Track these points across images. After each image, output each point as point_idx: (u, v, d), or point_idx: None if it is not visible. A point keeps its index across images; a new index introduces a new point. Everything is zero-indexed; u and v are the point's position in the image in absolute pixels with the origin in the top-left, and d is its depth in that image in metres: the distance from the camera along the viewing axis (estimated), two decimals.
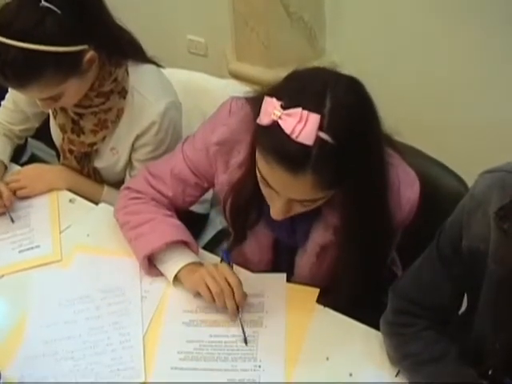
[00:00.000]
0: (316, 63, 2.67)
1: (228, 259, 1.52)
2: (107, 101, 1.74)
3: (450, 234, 1.24)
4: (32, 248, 1.72)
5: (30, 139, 2.31)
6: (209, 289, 1.43)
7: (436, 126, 2.68)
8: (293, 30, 2.74)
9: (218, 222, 2.10)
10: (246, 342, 1.42)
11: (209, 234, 2.08)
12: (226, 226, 1.96)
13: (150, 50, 1.83)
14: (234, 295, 1.43)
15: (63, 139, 1.88)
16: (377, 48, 2.74)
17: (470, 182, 1.33)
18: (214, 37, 3.28)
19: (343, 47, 2.83)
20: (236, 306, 1.44)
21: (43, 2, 1.52)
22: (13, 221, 1.81)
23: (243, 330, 1.43)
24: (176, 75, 1.96)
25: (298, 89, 1.21)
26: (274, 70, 2.74)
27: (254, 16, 2.76)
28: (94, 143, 1.82)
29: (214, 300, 1.43)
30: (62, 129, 1.86)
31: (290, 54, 2.74)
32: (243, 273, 1.55)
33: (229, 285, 1.43)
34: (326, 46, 2.88)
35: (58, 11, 1.53)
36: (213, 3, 3.15)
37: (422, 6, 2.54)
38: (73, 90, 1.64)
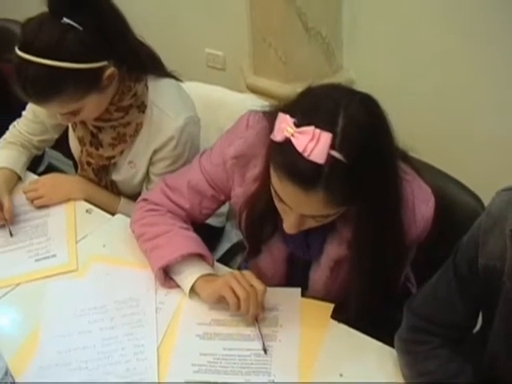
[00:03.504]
0: (333, 79, 2.70)
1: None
2: (126, 115, 1.75)
3: (466, 251, 1.24)
4: (48, 257, 1.74)
5: (47, 149, 2.32)
6: (234, 294, 1.43)
7: (452, 142, 2.68)
8: (310, 45, 2.74)
9: (233, 236, 2.11)
10: (265, 351, 1.42)
11: (224, 247, 2.09)
12: (241, 239, 1.96)
13: (168, 62, 1.84)
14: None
15: (82, 151, 1.90)
16: (393, 65, 2.74)
17: (486, 200, 1.32)
18: (232, 51, 3.29)
19: (360, 63, 2.83)
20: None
21: (65, 19, 1.53)
22: (11, 234, 1.82)
23: (262, 338, 1.43)
24: (195, 89, 1.97)
25: (311, 106, 1.22)
26: (292, 85, 2.75)
27: (272, 31, 2.77)
28: (112, 156, 1.83)
29: (239, 306, 1.43)
30: (81, 141, 1.88)
31: (308, 69, 2.74)
32: None
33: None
34: (342, 62, 2.88)
35: (80, 28, 1.54)
36: (231, 17, 3.17)
37: (438, 23, 2.54)
38: (92, 104, 1.66)
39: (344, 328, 1.47)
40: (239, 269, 1.69)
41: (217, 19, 3.28)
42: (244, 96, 2.16)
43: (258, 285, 1.44)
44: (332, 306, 1.49)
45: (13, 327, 1.58)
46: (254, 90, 2.90)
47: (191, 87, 1.94)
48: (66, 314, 1.55)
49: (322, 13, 2.72)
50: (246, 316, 1.46)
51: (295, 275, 1.59)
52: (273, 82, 2.87)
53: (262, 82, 2.92)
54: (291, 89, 2.74)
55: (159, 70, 1.81)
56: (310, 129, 1.15)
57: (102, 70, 1.61)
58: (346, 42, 2.85)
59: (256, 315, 1.46)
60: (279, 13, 2.70)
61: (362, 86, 1.33)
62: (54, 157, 2.61)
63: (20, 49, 1.54)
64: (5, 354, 1.33)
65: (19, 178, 2.01)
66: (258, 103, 1.85)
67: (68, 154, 2.16)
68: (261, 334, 1.44)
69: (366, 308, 1.44)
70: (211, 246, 1.81)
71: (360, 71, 2.80)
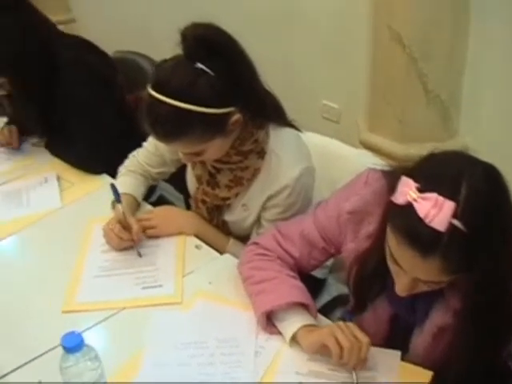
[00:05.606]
0: (448, 143, 2.69)
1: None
2: (245, 160, 1.79)
3: None
4: (155, 286, 1.78)
5: (160, 180, 2.41)
6: (338, 343, 1.43)
7: None
8: (429, 108, 2.74)
9: (333, 289, 2.10)
10: None
11: (323, 299, 2.08)
12: (342, 293, 1.97)
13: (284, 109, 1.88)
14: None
15: (198, 189, 1.95)
16: (510, 134, 2.70)
17: None
18: (348, 104, 3.32)
19: (477, 130, 2.80)
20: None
21: (198, 64, 1.59)
22: (140, 255, 1.89)
23: None
24: (311, 139, 2.00)
25: (434, 173, 1.24)
26: (405, 146, 2.76)
27: (392, 90, 2.79)
28: (227, 198, 1.87)
29: (341, 355, 1.42)
30: (199, 180, 1.93)
31: (423, 131, 2.75)
32: None
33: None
34: (459, 128, 2.86)
35: (212, 73, 1.60)
36: (351, 71, 3.21)
37: None
38: (215, 147, 1.71)
39: None
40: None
41: (336, 72, 3.32)
42: (359, 152, 2.17)
43: (363, 337, 1.43)
44: (431, 373, 1.46)
45: (114, 349, 1.62)
46: (367, 146, 2.91)
47: (310, 137, 1.98)
48: (167, 345, 1.58)
49: (443, 76, 2.73)
50: (346, 367, 1.46)
51: (396, 337, 1.57)
52: (387, 141, 2.88)
53: (376, 139, 2.93)
54: (404, 149, 2.75)
55: (281, 119, 1.85)
56: (433, 196, 1.17)
57: (228, 115, 1.66)
58: (464, 107, 2.84)
59: (356, 367, 1.45)
60: (400, 72, 2.73)
61: (477, 154, 1.32)
62: (166, 189, 2.69)
63: (153, 88, 1.61)
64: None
65: (138, 205, 2.10)
66: (373, 161, 1.88)
67: (180, 188, 2.23)
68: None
69: (464, 379, 1.41)
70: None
71: (476, 138, 2.77)
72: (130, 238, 1.89)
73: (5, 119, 2.74)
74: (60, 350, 1.31)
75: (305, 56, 3.46)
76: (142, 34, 4.28)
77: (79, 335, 1.30)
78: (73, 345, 1.29)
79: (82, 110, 2.33)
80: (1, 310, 1.69)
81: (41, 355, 1.58)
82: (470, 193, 1.18)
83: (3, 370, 1.55)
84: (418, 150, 1.31)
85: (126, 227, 1.90)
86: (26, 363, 1.57)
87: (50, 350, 1.58)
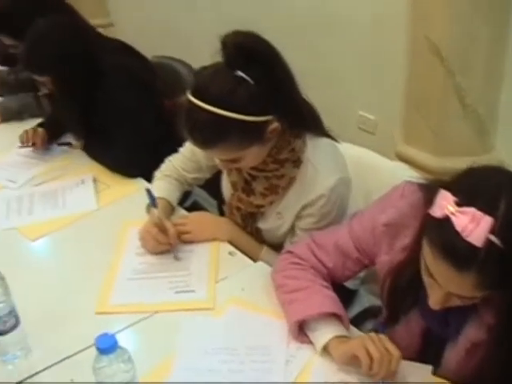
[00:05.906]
0: (484, 158, 2.66)
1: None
2: (281, 168, 1.79)
3: None
4: (187, 291, 1.79)
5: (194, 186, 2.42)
6: (368, 354, 1.42)
7: None
8: (466, 122, 2.73)
9: (365, 301, 2.09)
10: None
11: (354, 310, 2.07)
12: (373, 305, 1.96)
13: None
14: None
15: (233, 196, 1.96)
16: None
17: None
18: (384, 116, 3.31)
19: None
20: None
21: (238, 72, 1.60)
22: (178, 259, 1.91)
23: None
24: (347, 150, 2.00)
25: (473, 188, 1.23)
26: (441, 159, 2.74)
27: (428, 103, 2.78)
28: (262, 205, 1.88)
29: (371, 367, 1.42)
30: (234, 186, 1.94)
31: (459, 145, 2.73)
32: None
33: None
34: (495, 143, 2.84)
35: (251, 81, 1.60)
36: (388, 83, 3.20)
37: None
38: (252, 155, 1.71)
39: None
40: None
41: (373, 83, 3.32)
42: (395, 164, 2.17)
43: (394, 350, 1.42)
44: None
45: (146, 353, 1.62)
46: (402, 158, 2.89)
47: (344, 148, 1.96)
48: (198, 350, 1.59)
49: (481, 91, 2.71)
50: (374, 378, 1.45)
51: (429, 351, 1.56)
52: (422, 153, 2.87)
53: (411, 152, 2.92)
54: (440, 163, 2.73)
55: (318, 128, 1.85)
56: (472, 210, 1.16)
57: (266, 123, 1.66)
58: (501, 122, 2.81)
59: (385, 378, 1.44)
60: (437, 85, 2.72)
61: None
62: (200, 195, 2.71)
63: (192, 94, 1.62)
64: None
65: (172, 209, 2.11)
66: (409, 173, 1.87)
67: (214, 194, 2.23)
68: None
69: None
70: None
71: None
72: (166, 241, 1.91)
73: (38, 120, 2.78)
74: (92, 351, 1.32)
75: (342, 67, 3.46)
76: (179, 39, 4.32)
77: (113, 337, 1.31)
78: (107, 346, 1.30)
79: (122, 114, 2.36)
80: (35, 310, 1.71)
81: (73, 355, 1.60)
82: (509, 209, 1.17)
83: (36, 367, 1.58)
84: (453, 163, 1.30)
85: (162, 231, 1.91)
86: (58, 362, 1.59)
87: (82, 350, 1.60)
